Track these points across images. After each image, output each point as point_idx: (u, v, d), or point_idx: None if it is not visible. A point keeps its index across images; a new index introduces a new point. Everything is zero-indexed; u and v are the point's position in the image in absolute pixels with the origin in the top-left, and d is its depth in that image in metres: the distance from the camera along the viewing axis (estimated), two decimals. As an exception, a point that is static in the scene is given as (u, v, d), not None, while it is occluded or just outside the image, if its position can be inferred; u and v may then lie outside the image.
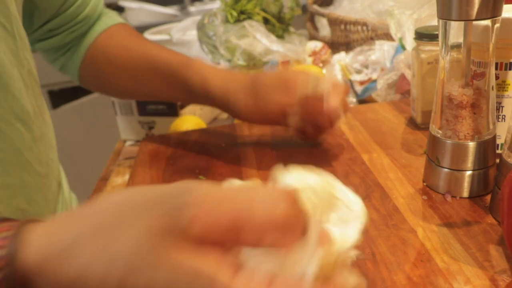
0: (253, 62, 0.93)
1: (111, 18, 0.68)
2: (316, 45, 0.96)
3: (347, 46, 0.99)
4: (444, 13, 0.44)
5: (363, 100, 0.85)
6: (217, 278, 0.23)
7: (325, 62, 0.93)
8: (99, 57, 0.65)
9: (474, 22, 0.44)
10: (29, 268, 0.26)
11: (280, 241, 0.25)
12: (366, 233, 0.45)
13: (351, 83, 0.87)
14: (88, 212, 0.27)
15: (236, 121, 0.78)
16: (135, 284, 0.24)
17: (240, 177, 0.57)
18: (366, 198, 0.50)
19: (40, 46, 0.63)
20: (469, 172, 0.48)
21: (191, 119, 0.78)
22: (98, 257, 0.25)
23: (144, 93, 0.68)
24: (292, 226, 0.25)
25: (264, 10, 0.98)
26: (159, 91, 0.65)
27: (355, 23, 0.95)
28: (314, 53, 0.94)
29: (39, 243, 0.26)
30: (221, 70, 0.63)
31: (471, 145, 0.47)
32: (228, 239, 0.24)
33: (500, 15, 0.43)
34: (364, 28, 0.94)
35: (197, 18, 1.10)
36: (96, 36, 0.65)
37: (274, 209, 0.24)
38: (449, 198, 0.49)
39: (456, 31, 0.45)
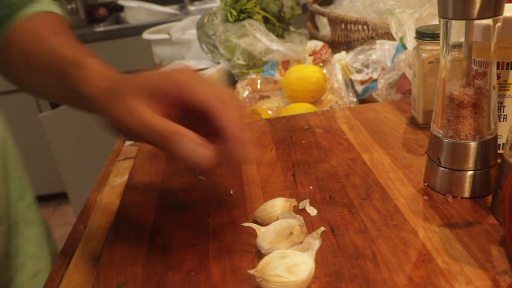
0: (253, 61, 0.93)
1: (43, 5, 0.62)
2: (316, 44, 0.96)
3: (348, 46, 0.99)
4: (445, 12, 0.44)
5: (363, 100, 0.85)
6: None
7: (325, 62, 0.93)
8: (14, 45, 0.59)
9: (476, 21, 0.44)
10: None
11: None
12: (366, 233, 0.44)
13: (351, 83, 0.87)
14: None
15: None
16: None
17: (240, 176, 0.57)
18: (366, 198, 0.50)
19: None
20: (470, 172, 0.48)
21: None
22: None
23: (44, 93, 0.60)
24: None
25: (264, 9, 0.98)
26: (52, 91, 0.57)
27: (356, 22, 0.94)
28: (314, 53, 0.94)
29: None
30: (111, 72, 0.50)
31: (472, 145, 0.47)
32: None
33: (501, 14, 0.43)
34: (365, 27, 0.94)
35: (197, 17, 1.10)
36: (18, 21, 0.60)
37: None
38: (450, 198, 0.48)
39: (457, 30, 0.45)
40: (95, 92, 0.47)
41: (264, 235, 0.43)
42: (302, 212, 0.49)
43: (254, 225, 0.44)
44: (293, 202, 0.49)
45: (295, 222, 0.43)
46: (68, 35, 0.58)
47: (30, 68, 0.58)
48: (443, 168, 0.49)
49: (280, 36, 1.00)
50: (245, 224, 0.45)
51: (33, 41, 0.57)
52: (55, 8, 0.64)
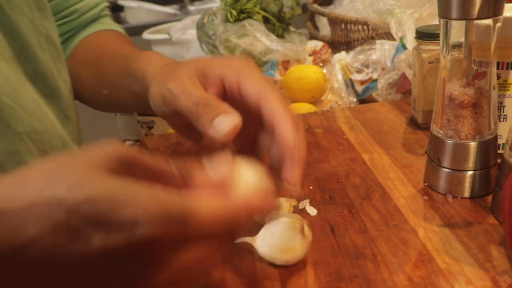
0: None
1: (106, 24, 0.68)
2: (316, 44, 0.96)
3: (348, 46, 0.99)
4: (445, 12, 0.44)
5: (363, 100, 0.85)
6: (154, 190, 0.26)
7: (325, 62, 0.93)
8: (78, 57, 0.64)
9: (476, 21, 0.44)
10: None
11: None
12: (366, 233, 0.44)
13: (351, 83, 0.87)
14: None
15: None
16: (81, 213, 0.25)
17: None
18: (366, 198, 0.50)
19: None
20: (470, 172, 0.48)
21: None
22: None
23: (106, 98, 0.62)
24: None
25: (264, 9, 0.98)
26: (115, 89, 0.59)
27: (356, 22, 0.94)
28: (314, 53, 0.94)
29: None
30: (167, 59, 0.51)
31: (472, 145, 0.47)
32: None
33: (501, 14, 0.43)
34: (365, 27, 0.94)
35: (197, 17, 1.10)
36: (83, 37, 0.65)
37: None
38: (450, 198, 0.48)
39: (457, 30, 0.45)
40: (154, 71, 0.47)
41: (263, 241, 0.41)
42: (302, 212, 0.49)
43: (247, 239, 0.42)
44: (293, 202, 0.49)
45: (287, 220, 0.42)
46: (130, 44, 0.63)
47: (95, 73, 0.62)
48: (443, 168, 0.49)
49: (280, 36, 0.99)
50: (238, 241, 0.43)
51: (98, 50, 0.63)
52: (117, 27, 0.70)
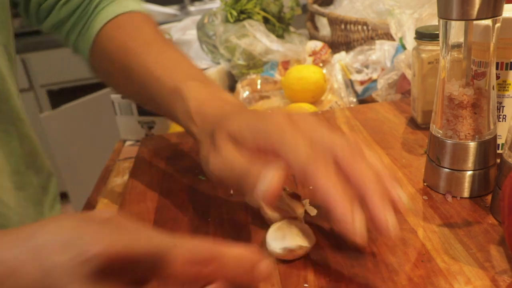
0: (253, 61, 0.93)
1: (122, 5, 0.61)
2: (316, 44, 0.96)
3: (347, 46, 0.99)
4: (445, 13, 0.44)
5: (363, 100, 0.85)
6: None
7: (325, 62, 0.93)
8: (102, 52, 0.60)
9: (475, 22, 0.44)
10: None
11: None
12: (366, 233, 0.44)
13: (351, 83, 0.87)
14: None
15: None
16: None
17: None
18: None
19: (46, 26, 0.63)
20: (469, 172, 0.48)
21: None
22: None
23: (142, 102, 0.62)
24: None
25: (264, 10, 0.98)
26: (152, 107, 0.60)
27: (356, 22, 0.95)
28: (314, 53, 0.94)
29: None
30: (208, 101, 0.50)
31: (472, 145, 0.47)
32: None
33: (501, 14, 0.43)
34: (365, 27, 0.94)
35: (197, 17, 1.10)
36: (102, 25, 0.59)
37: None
38: (449, 198, 0.48)
39: (456, 31, 0.45)
40: (195, 130, 0.48)
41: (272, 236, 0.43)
42: (302, 212, 0.49)
43: None
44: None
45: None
46: (156, 43, 0.57)
47: (124, 80, 0.58)
48: (442, 168, 0.49)
49: (280, 36, 1.00)
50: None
51: (123, 54, 0.56)
52: (136, 5, 0.60)
